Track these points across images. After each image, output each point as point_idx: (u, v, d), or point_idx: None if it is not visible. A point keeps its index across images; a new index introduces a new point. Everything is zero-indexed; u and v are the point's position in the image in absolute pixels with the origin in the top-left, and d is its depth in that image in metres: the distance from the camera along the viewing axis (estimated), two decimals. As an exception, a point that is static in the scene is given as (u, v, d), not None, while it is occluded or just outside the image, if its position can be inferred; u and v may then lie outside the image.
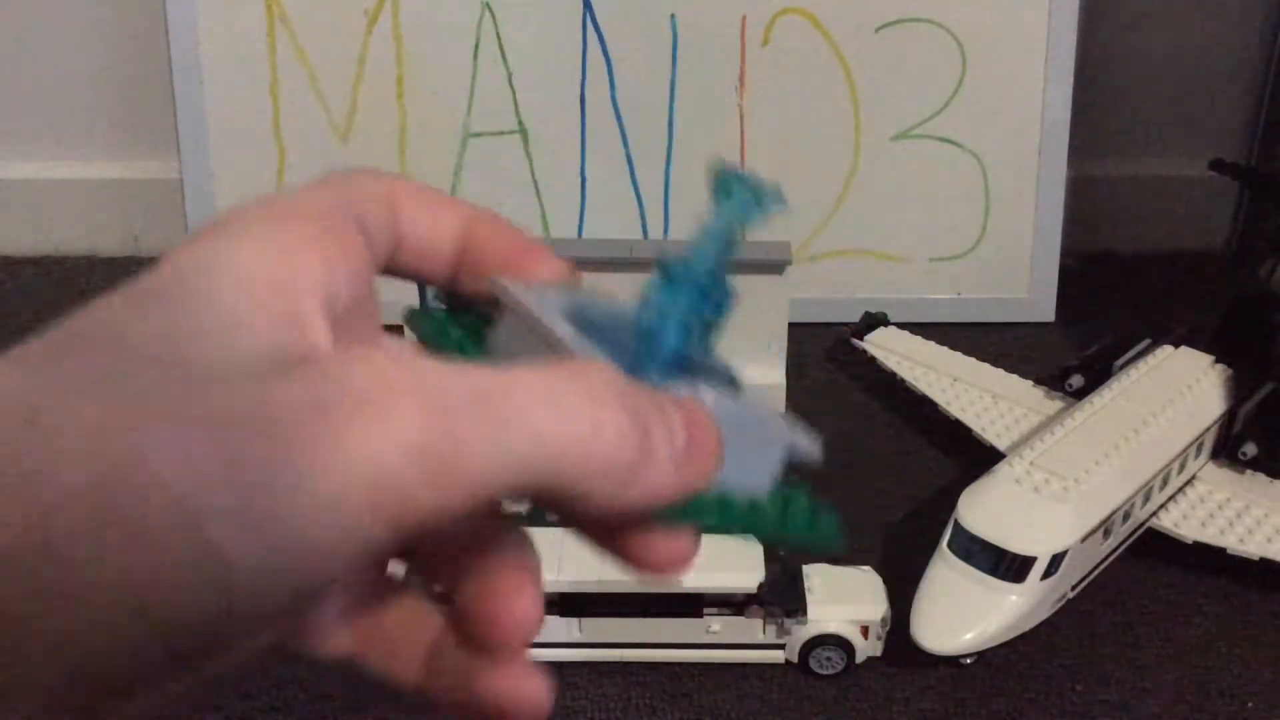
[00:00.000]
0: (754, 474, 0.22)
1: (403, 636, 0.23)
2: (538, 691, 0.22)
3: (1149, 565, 0.68)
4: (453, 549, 0.23)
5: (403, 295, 0.25)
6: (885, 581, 0.62)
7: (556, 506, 0.19)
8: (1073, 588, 0.63)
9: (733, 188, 0.22)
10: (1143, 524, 0.68)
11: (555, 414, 0.18)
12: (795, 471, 0.23)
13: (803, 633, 0.60)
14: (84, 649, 0.15)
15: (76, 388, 0.16)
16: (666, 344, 0.22)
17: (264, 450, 0.16)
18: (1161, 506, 0.69)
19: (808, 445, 0.23)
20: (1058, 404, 0.77)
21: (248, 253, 0.19)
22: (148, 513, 0.15)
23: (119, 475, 0.15)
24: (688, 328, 0.22)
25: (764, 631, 0.61)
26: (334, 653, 0.23)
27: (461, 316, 0.24)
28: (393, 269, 0.23)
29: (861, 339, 0.85)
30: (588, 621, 0.61)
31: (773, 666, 0.62)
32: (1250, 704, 0.60)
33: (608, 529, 0.21)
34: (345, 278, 0.20)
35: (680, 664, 0.62)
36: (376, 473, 0.16)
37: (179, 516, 0.15)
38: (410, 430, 0.17)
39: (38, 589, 0.15)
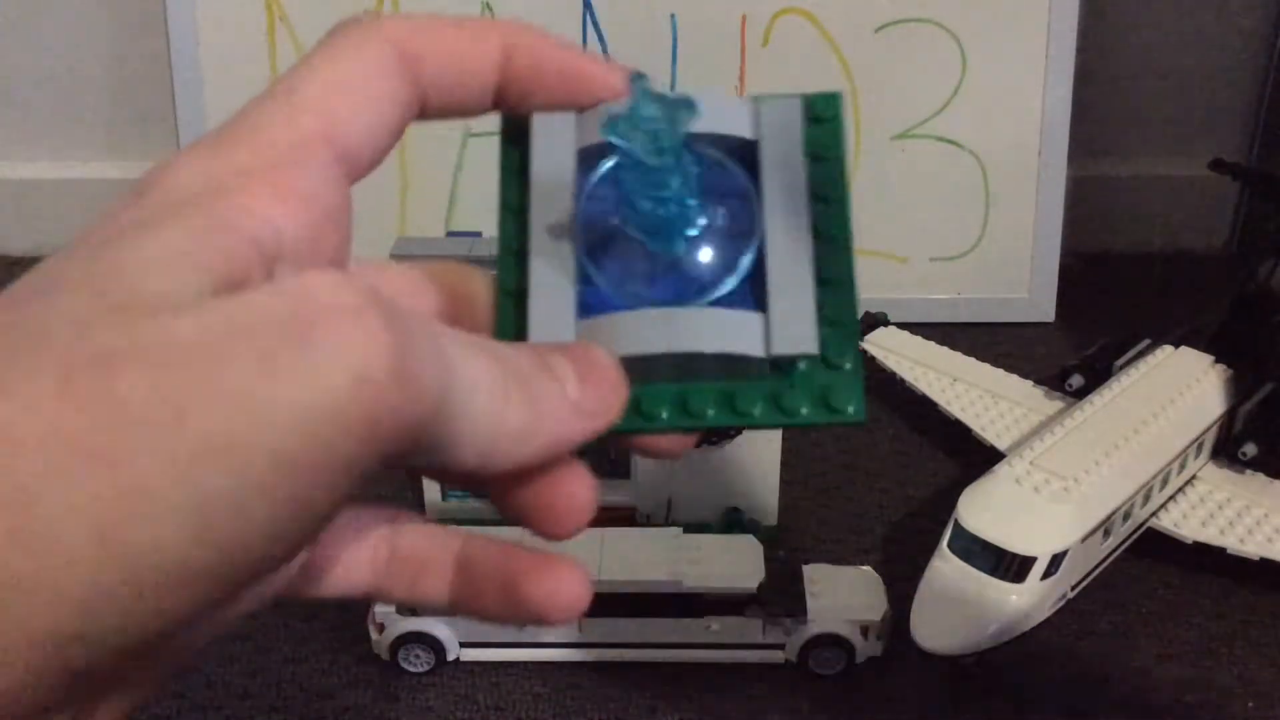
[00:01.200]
0: (727, 370, 0.22)
1: (423, 562, 0.23)
2: (577, 586, 0.22)
3: (1149, 565, 0.68)
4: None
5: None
6: (885, 581, 0.62)
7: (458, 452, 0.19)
8: (1073, 588, 0.63)
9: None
10: (1143, 524, 0.68)
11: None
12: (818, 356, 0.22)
13: (803, 633, 0.60)
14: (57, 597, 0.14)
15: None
16: (671, 226, 0.22)
17: (217, 373, 0.15)
18: (1161, 506, 0.69)
19: (796, 331, 0.22)
20: (1058, 404, 0.77)
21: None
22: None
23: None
24: (667, 196, 0.22)
25: (764, 631, 0.61)
26: (350, 591, 0.23)
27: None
28: (429, 116, 0.23)
29: (861, 339, 0.85)
30: (588, 621, 0.61)
31: (773, 666, 0.62)
32: (1250, 704, 0.60)
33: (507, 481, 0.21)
34: (289, 213, 0.19)
35: (680, 664, 0.62)
36: (351, 374, 0.16)
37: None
38: (380, 331, 0.16)
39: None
